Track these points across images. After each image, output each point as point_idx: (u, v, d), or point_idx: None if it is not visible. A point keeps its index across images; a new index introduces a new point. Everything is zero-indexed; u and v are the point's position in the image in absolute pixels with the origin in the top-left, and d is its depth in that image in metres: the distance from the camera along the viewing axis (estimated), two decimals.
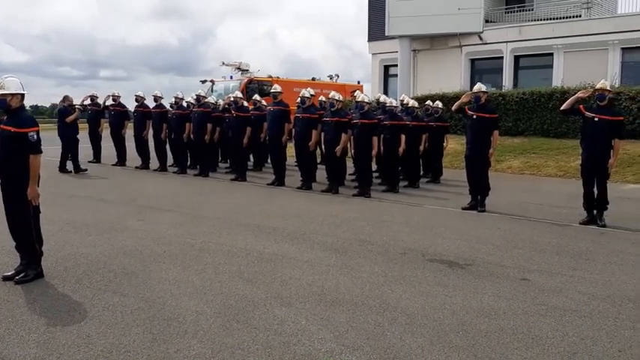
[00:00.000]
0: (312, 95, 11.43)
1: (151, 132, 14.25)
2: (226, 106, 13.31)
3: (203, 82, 24.54)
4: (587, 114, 7.88)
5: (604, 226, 7.84)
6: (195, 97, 13.74)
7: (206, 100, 13.77)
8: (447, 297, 4.80)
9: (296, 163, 11.79)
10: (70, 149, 13.56)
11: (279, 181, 11.78)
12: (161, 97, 14.14)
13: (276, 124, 11.66)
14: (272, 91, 12.16)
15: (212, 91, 23.42)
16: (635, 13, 19.83)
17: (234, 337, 3.88)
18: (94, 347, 3.71)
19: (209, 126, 13.14)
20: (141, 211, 8.62)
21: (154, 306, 4.46)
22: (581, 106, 8.00)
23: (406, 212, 9.05)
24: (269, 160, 13.39)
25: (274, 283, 5.07)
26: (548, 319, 4.34)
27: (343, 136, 10.63)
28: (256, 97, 14.27)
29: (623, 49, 19.05)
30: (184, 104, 13.88)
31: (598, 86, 7.91)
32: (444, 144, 12.88)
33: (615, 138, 7.79)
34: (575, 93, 8.35)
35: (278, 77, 24.62)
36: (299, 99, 11.49)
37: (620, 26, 18.99)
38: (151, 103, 14.45)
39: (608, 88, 7.94)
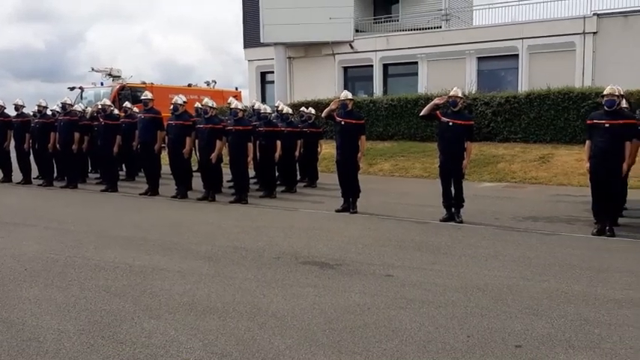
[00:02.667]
0: (184, 102, 11.30)
1: (12, 143, 13.33)
2: (94, 114, 12.80)
3: (71, 89, 23.46)
4: (443, 119, 8.53)
5: (461, 222, 8.52)
6: (60, 104, 13.08)
7: (72, 107, 13.11)
8: (317, 297, 4.99)
9: (170, 172, 11.58)
10: None
11: (153, 190, 11.51)
12: (23, 106, 13.32)
13: (147, 131, 11.38)
14: (142, 97, 11.86)
15: (81, 98, 22.46)
16: (487, 25, 21.68)
17: (98, 353, 3.78)
18: None
19: (76, 135, 12.51)
20: (0, 228, 8.04)
21: (13, 327, 4.22)
22: (437, 111, 8.64)
23: (282, 217, 9.23)
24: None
25: (143, 296, 4.98)
26: (407, 311, 4.67)
27: (218, 143, 10.63)
28: (127, 104, 13.86)
29: (478, 58, 20.73)
30: (49, 112, 13.16)
31: (451, 93, 8.60)
32: (319, 149, 13.27)
33: (468, 141, 8.51)
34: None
35: (152, 83, 24.09)
36: (172, 106, 11.32)
37: (475, 37, 20.68)
38: (12, 112, 13.53)
39: (460, 95, 8.66)
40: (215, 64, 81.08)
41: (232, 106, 11.08)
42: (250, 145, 10.65)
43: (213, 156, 10.62)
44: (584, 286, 5.38)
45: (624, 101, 8.33)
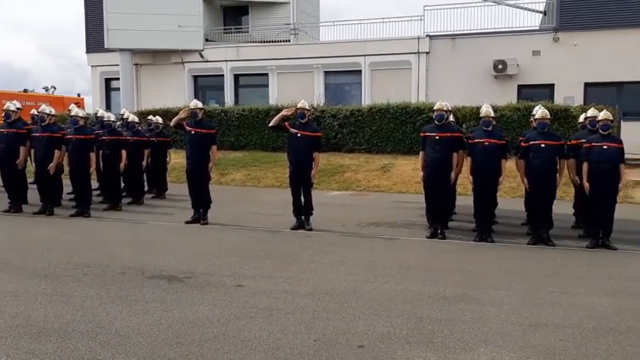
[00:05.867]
0: (18, 108, 10.46)
1: None
2: None
3: None
4: (292, 130, 8.78)
5: (310, 229, 8.82)
6: None
7: None
8: (164, 312, 4.88)
9: (2, 184, 10.60)
10: None
11: None
12: None
13: None
14: None
15: None
16: (332, 41, 22.64)
17: None
18: None
19: None
20: None
21: None
22: (286, 123, 8.87)
23: (128, 230, 8.87)
24: None
25: None
26: (257, 320, 4.74)
27: (56, 153, 9.97)
28: None
29: (325, 72, 21.55)
30: None
31: (299, 106, 8.88)
32: (168, 159, 12.93)
33: (315, 151, 8.84)
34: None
35: None
36: (3, 113, 10.41)
37: (321, 52, 21.48)
38: None
39: (307, 107, 8.98)
40: (55, 69, 75.29)
41: (73, 113, 10.43)
42: (93, 155, 10.12)
43: (52, 166, 9.93)
44: (420, 285, 5.86)
45: (452, 116, 9.22)
